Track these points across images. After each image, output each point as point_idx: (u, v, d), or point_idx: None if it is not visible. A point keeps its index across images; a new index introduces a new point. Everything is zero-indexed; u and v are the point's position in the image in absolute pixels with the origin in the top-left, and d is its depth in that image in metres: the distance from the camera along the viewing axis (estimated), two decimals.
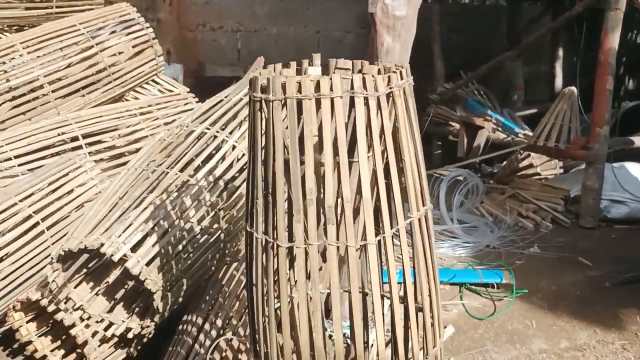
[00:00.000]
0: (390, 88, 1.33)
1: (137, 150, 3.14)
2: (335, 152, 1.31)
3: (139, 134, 3.17)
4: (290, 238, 1.40)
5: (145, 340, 2.57)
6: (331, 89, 1.29)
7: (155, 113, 3.33)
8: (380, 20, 2.49)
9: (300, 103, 1.31)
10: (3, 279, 2.40)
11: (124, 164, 3.06)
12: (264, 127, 1.38)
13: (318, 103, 1.31)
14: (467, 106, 5.53)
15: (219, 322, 2.11)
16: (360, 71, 1.58)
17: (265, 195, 1.41)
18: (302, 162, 1.35)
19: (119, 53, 3.34)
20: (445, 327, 2.84)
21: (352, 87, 1.29)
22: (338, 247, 1.35)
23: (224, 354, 2.05)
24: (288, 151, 1.35)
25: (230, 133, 2.46)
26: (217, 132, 2.43)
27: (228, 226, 2.33)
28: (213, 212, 2.25)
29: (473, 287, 3.19)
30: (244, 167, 2.40)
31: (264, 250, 1.43)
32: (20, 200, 2.50)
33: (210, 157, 2.35)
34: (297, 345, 1.44)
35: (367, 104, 1.31)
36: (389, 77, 1.33)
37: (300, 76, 1.34)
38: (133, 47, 3.41)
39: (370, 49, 2.62)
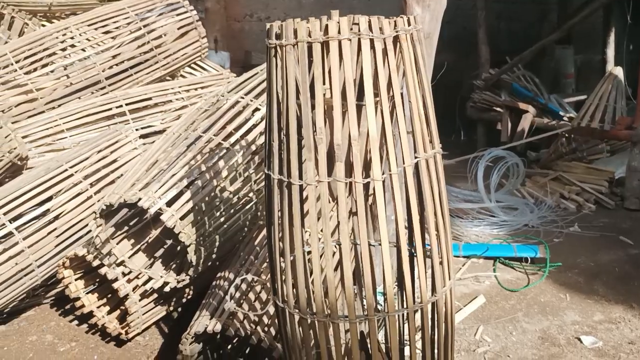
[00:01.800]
0: (397, 32, 1.40)
1: None
2: (344, 94, 1.39)
3: (182, 111, 3.33)
4: (303, 176, 1.48)
5: (183, 300, 2.72)
6: (339, 32, 1.37)
7: (199, 92, 3.48)
8: None
9: (311, 47, 1.40)
10: (55, 238, 2.58)
11: None
12: (278, 72, 1.47)
13: (327, 46, 1.39)
14: (512, 91, 5.48)
15: (249, 277, 2.22)
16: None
17: (280, 137, 1.50)
18: (314, 106, 1.43)
19: (165, 34, 3.51)
20: (476, 297, 2.87)
21: (358, 30, 1.37)
22: (346, 184, 1.42)
23: (252, 305, 2.15)
24: (300, 95, 1.43)
25: (263, 102, 2.56)
26: (251, 100, 2.55)
27: (259, 188, 2.44)
28: (245, 175, 2.36)
29: (507, 261, 3.20)
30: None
31: (280, 189, 1.53)
32: (71, 167, 2.69)
33: (243, 123, 2.46)
34: (312, 282, 1.52)
35: (373, 47, 1.39)
36: (395, 21, 1.40)
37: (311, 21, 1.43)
38: (178, 29, 3.57)
39: None
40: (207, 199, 2.24)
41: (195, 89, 3.50)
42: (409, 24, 1.44)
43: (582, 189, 4.18)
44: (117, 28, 3.40)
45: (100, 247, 2.31)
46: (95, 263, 2.38)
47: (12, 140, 2.77)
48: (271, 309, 2.14)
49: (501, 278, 3.07)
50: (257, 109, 2.51)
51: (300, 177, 1.47)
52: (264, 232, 2.49)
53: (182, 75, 3.82)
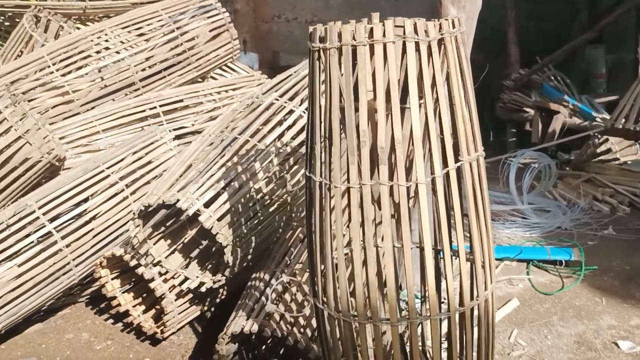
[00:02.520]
0: (442, 34, 1.40)
1: None
2: (388, 97, 1.39)
3: (215, 113, 3.36)
4: (346, 180, 1.48)
5: (217, 300, 2.74)
6: (384, 35, 1.37)
7: (231, 93, 3.51)
8: None
9: (355, 50, 1.40)
10: (93, 238, 2.63)
11: None
12: (321, 76, 1.48)
13: (372, 49, 1.39)
14: (542, 92, 5.42)
15: (285, 278, 2.23)
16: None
17: (322, 140, 1.51)
18: (358, 109, 1.44)
19: (197, 37, 3.55)
20: (509, 300, 2.85)
21: (403, 33, 1.37)
22: (390, 187, 1.42)
23: (288, 306, 2.16)
24: (343, 97, 1.44)
25: (299, 104, 2.58)
26: (285, 102, 2.56)
27: (294, 190, 2.45)
28: (280, 176, 2.38)
29: (541, 264, 3.16)
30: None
31: (322, 192, 1.53)
32: (108, 168, 2.73)
33: (278, 125, 2.48)
34: (354, 284, 1.53)
35: (418, 49, 1.38)
36: (440, 24, 1.40)
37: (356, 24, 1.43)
38: (210, 31, 3.60)
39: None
40: (243, 200, 2.26)
41: (226, 91, 3.52)
42: (454, 26, 1.43)
43: (616, 191, 4.11)
44: (150, 30, 3.44)
45: (138, 247, 2.35)
46: (133, 263, 2.41)
47: (50, 142, 2.82)
48: (307, 310, 2.15)
49: (535, 281, 3.04)
50: (291, 111, 2.52)
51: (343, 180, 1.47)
52: (298, 233, 2.51)
53: (212, 77, 3.85)
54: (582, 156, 4.80)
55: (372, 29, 1.37)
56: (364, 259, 1.51)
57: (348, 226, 1.51)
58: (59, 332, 2.79)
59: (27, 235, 2.52)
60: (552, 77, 5.61)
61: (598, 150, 4.68)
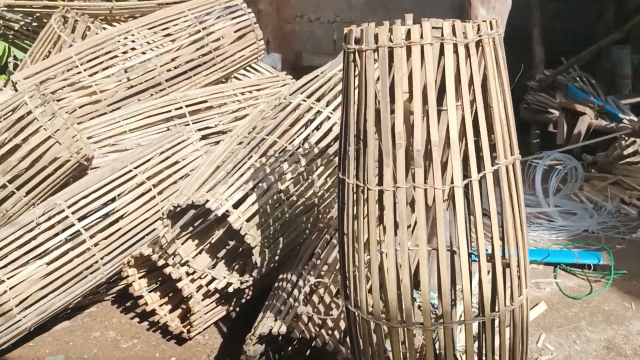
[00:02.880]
0: (480, 36, 1.38)
1: None
2: (425, 99, 1.38)
3: (240, 113, 3.37)
4: (380, 182, 1.47)
5: (243, 300, 2.74)
6: (421, 37, 1.35)
7: (255, 94, 3.51)
8: None
9: (392, 52, 1.39)
10: (120, 237, 2.64)
11: None
12: (356, 77, 1.47)
13: (409, 51, 1.38)
14: (567, 93, 5.34)
15: (312, 279, 2.22)
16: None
17: (356, 142, 1.50)
18: (393, 111, 1.42)
19: (223, 37, 3.55)
20: (537, 304, 2.82)
21: (441, 34, 1.35)
22: (425, 190, 1.41)
23: (316, 308, 2.16)
24: (379, 99, 1.43)
25: (326, 105, 2.57)
26: (313, 103, 2.55)
27: (322, 192, 2.44)
28: (308, 178, 2.37)
29: (568, 267, 3.12)
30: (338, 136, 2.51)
31: (355, 195, 1.52)
32: (135, 167, 2.75)
33: (306, 126, 2.47)
34: (385, 291, 1.52)
35: (456, 51, 1.37)
36: (478, 25, 1.38)
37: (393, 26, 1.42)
38: (235, 31, 3.61)
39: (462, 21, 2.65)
40: (271, 201, 2.26)
41: (250, 92, 3.53)
42: (491, 28, 1.42)
43: None
44: (176, 31, 3.45)
45: (166, 247, 2.36)
46: (160, 263, 2.43)
47: (79, 141, 2.84)
48: (335, 312, 2.14)
49: (562, 285, 3.00)
50: (319, 112, 2.52)
51: (379, 183, 1.46)
52: (325, 234, 2.50)
53: (235, 77, 3.86)
54: (608, 158, 4.73)
55: (409, 30, 1.36)
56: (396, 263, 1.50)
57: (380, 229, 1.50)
58: (85, 330, 2.82)
59: (56, 234, 2.54)
60: (578, 78, 5.54)
61: (625, 152, 4.61)
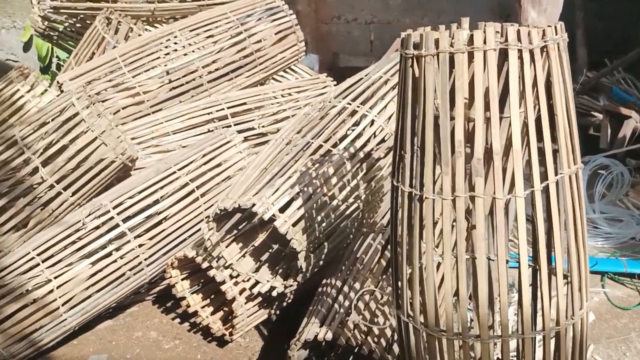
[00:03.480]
0: (545, 41, 1.34)
1: (279, 129, 3.33)
2: (486, 106, 1.34)
3: (281, 115, 3.36)
4: (438, 190, 1.44)
5: (284, 304, 2.73)
6: (484, 42, 1.32)
7: (296, 96, 3.50)
8: None
9: (452, 57, 1.35)
10: (163, 238, 2.66)
11: (267, 141, 3.26)
12: (415, 83, 1.44)
13: (470, 57, 1.35)
14: (611, 95, 5.20)
15: (357, 286, 2.20)
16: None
17: (413, 149, 1.47)
18: (452, 118, 1.39)
19: (264, 39, 3.55)
20: None
21: (506, 40, 1.31)
22: (484, 199, 1.37)
23: (361, 315, 2.13)
24: (437, 106, 1.39)
25: (370, 108, 2.54)
26: (358, 107, 2.53)
27: (366, 196, 2.42)
28: (353, 182, 2.35)
29: (617, 277, 3.03)
30: (384, 139, 2.48)
31: (410, 202, 1.49)
32: (179, 169, 2.76)
33: (351, 130, 2.45)
34: (442, 299, 1.48)
35: (520, 57, 1.33)
36: (543, 30, 1.34)
37: (454, 31, 1.38)
38: (276, 33, 3.60)
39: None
40: (316, 205, 2.24)
41: (291, 94, 3.51)
42: (556, 33, 1.37)
43: None
44: (218, 33, 3.46)
45: (211, 249, 2.36)
46: (205, 265, 2.43)
47: (123, 142, 2.87)
48: (381, 319, 2.11)
49: (611, 295, 2.92)
50: (364, 116, 2.49)
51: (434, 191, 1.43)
52: (369, 239, 2.47)
53: (274, 79, 3.85)
54: None
55: (472, 35, 1.32)
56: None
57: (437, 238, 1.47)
58: (128, 329, 2.84)
59: (102, 235, 2.56)
60: (622, 80, 5.39)
61: None
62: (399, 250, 1.56)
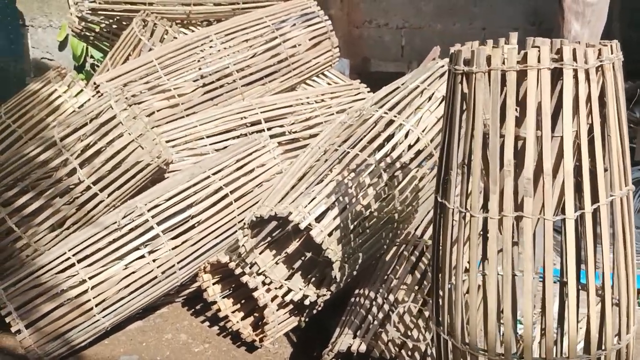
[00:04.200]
0: (601, 61, 1.31)
1: (312, 135, 3.33)
2: (538, 125, 1.32)
3: (314, 121, 3.36)
4: (484, 209, 1.42)
5: (314, 311, 2.73)
6: (538, 61, 1.30)
7: (329, 102, 3.49)
8: (568, 6, 2.41)
9: (504, 75, 1.33)
10: (196, 242, 2.67)
11: (300, 147, 3.26)
12: (464, 99, 1.42)
13: (522, 75, 1.33)
14: None
15: (391, 297, 2.18)
16: (559, 50, 1.56)
17: (460, 166, 1.45)
18: (501, 135, 1.37)
19: (299, 44, 3.55)
20: None
21: (560, 59, 1.29)
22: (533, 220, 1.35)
23: (395, 327, 2.12)
24: (487, 123, 1.38)
25: (407, 118, 2.52)
26: (395, 116, 2.51)
27: (402, 207, 2.40)
28: (389, 193, 2.33)
29: None
30: (420, 150, 2.46)
31: (455, 220, 1.47)
32: (213, 174, 2.77)
33: (387, 140, 2.43)
34: (485, 320, 1.46)
35: (575, 76, 1.30)
36: (599, 49, 1.31)
37: (506, 48, 1.37)
38: (311, 39, 3.60)
39: (554, 36, 2.55)
40: (352, 216, 2.23)
41: (323, 100, 3.50)
42: (612, 52, 1.34)
43: None
44: (254, 37, 3.47)
45: (245, 256, 2.36)
46: (238, 271, 2.43)
47: (158, 145, 2.89)
48: (415, 333, 2.09)
49: None
50: (401, 125, 2.47)
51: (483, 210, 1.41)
52: (403, 250, 2.46)
53: (305, 83, 3.84)
54: None
55: (526, 54, 1.30)
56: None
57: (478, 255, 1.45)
58: (158, 331, 2.86)
59: (136, 237, 2.58)
60: None
61: None
62: (440, 266, 1.55)
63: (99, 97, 3.17)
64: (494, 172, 1.37)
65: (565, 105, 1.30)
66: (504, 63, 1.34)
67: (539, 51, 1.30)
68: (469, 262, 1.46)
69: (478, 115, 1.38)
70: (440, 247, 1.54)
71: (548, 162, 1.33)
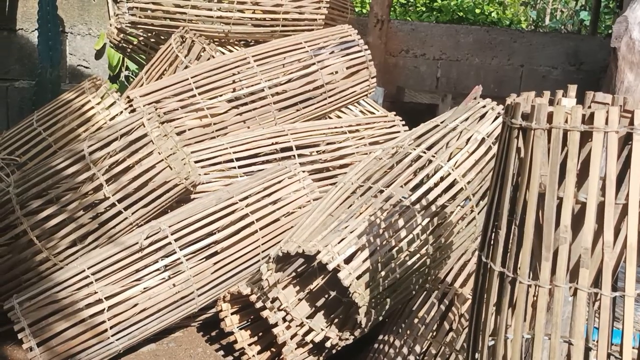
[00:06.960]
0: None
1: (342, 165, 3.25)
2: (602, 191, 1.22)
3: (345, 151, 3.28)
4: (534, 276, 1.32)
5: (333, 351, 2.62)
6: (606, 123, 1.20)
7: (362, 132, 3.42)
8: (623, 55, 2.31)
9: (566, 134, 1.24)
10: (218, 269, 2.59)
11: (330, 177, 3.18)
12: (519, 155, 1.33)
13: (586, 136, 1.23)
14: None
15: (417, 349, 2.07)
16: (622, 107, 1.46)
17: (509, 226, 1.35)
18: (558, 198, 1.27)
19: (336, 72, 3.49)
20: None
21: (631, 122, 1.19)
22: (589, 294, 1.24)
23: None
24: (544, 184, 1.28)
25: (445, 159, 2.43)
26: (432, 156, 2.42)
27: (435, 252, 2.30)
28: (423, 236, 2.23)
29: None
30: (457, 194, 2.36)
31: (500, 283, 1.37)
32: (240, 200, 2.70)
33: (424, 180, 2.34)
34: None
35: None
36: None
37: (572, 106, 1.27)
38: (348, 67, 3.53)
39: (606, 85, 2.45)
40: (383, 259, 2.13)
41: (358, 130, 3.43)
42: None
43: None
44: (291, 62, 3.41)
45: (267, 290, 2.27)
46: (259, 305, 2.35)
47: (187, 165, 2.83)
48: None
49: None
50: (439, 167, 2.38)
51: (533, 277, 1.30)
52: (432, 298, 2.35)
53: (339, 111, 3.77)
54: None
55: (592, 114, 1.21)
56: None
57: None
58: (171, 356, 2.78)
59: (157, 260, 2.52)
60: None
61: None
62: (482, 330, 1.44)
63: (132, 112, 3.13)
64: (548, 238, 1.27)
65: (633, 173, 1.20)
66: (566, 121, 1.24)
67: (607, 112, 1.20)
68: (509, 326, 1.36)
69: (534, 174, 1.28)
70: (481, 311, 1.44)
71: (610, 233, 1.22)
